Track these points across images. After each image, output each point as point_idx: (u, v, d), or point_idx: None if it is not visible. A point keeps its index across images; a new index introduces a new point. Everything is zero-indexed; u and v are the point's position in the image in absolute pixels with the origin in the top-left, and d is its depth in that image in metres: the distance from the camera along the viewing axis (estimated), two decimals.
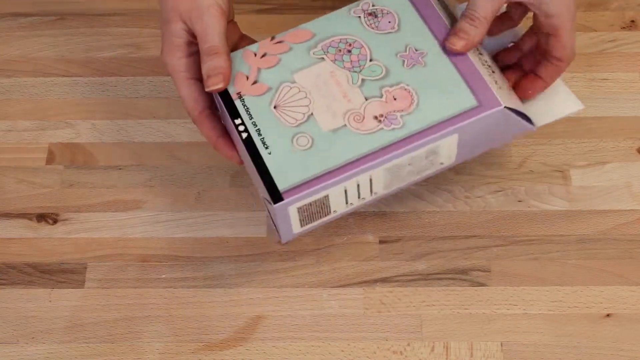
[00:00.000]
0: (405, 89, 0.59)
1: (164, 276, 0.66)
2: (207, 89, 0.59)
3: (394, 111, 0.58)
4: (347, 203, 0.59)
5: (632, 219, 0.68)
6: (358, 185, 0.58)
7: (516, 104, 0.60)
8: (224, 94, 0.59)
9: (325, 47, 0.60)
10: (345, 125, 0.58)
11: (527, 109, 0.62)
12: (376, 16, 0.61)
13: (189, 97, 0.60)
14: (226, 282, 0.66)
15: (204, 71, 0.58)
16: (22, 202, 0.69)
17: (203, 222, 0.68)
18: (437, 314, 0.64)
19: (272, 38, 0.61)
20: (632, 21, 0.78)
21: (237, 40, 0.64)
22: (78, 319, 0.64)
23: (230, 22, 0.63)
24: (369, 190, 0.59)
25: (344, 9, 0.62)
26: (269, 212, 0.60)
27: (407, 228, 0.68)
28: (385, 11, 0.61)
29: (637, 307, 0.64)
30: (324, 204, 0.58)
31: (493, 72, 0.61)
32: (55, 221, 0.68)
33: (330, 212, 0.59)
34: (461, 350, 0.63)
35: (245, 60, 0.60)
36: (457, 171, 0.70)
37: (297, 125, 0.58)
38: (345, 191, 0.58)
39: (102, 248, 0.67)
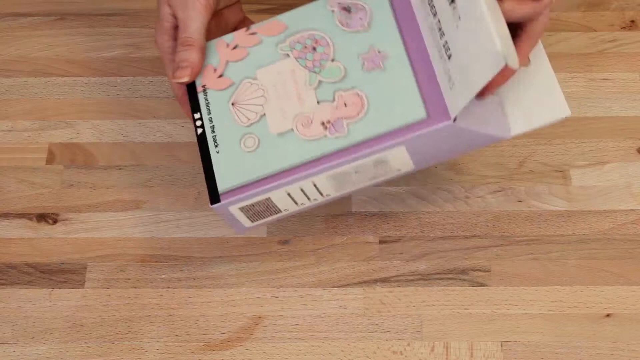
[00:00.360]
0: (358, 95, 0.57)
1: (164, 276, 0.66)
2: (173, 80, 0.59)
3: (342, 118, 0.57)
4: (297, 203, 0.59)
5: (632, 219, 0.68)
6: (302, 190, 0.58)
7: (482, 115, 0.57)
8: (191, 86, 0.59)
9: (293, 43, 0.60)
10: (292, 129, 0.57)
11: (510, 110, 0.58)
12: (350, 11, 0.60)
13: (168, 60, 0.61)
14: (226, 282, 0.66)
15: (175, 61, 0.59)
16: (22, 202, 0.69)
17: (203, 222, 0.68)
18: (437, 314, 0.64)
19: (248, 29, 0.61)
20: (632, 21, 0.78)
21: (237, 23, 0.64)
22: (78, 319, 0.64)
23: (236, 3, 0.63)
24: (318, 193, 0.58)
25: (323, 0, 0.61)
26: None
27: (407, 228, 0.68)
28: (359, 6, 0.60)
29: (637, 307, 0.64)
30: (268, 205, 0.58)
31: (450, 78, 0.56)
32: (55, 221, 0.68)
33: (280, 210, 0.59)
34: (461, 350, 0.63)
35: (217, 50, 0.60)
36: (457, 171, 0.70)
37: (249, 126, 0.57)
38: (289, 194, 0.57)
39: (102, 248, 0.67)
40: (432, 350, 0.63)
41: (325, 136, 0.56)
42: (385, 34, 0.58)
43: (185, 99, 0.61)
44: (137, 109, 0.74)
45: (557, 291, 0.65)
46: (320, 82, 0.58)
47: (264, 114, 0.58)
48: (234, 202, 0.56)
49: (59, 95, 0.75)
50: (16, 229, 0.68)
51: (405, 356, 0.63)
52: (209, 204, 0.57)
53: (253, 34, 0.60)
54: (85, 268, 0.66)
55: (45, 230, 0.68)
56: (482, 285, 0.65)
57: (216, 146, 0.57)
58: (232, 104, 0.58)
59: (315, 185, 0.58)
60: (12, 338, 0.64)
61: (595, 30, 0.77)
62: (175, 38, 0.60)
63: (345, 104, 0.57)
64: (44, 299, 0.65)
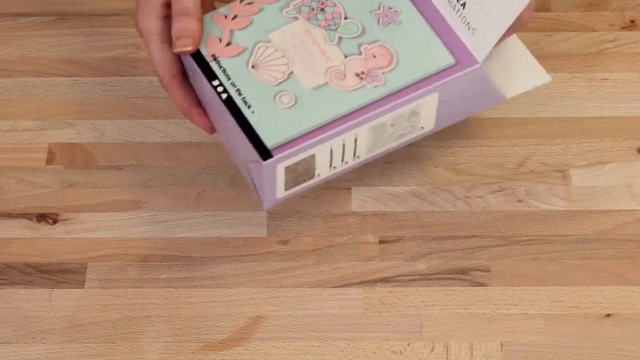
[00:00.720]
0: (384, 47, 0.58)
1: (164, 276, 0.66)
2: (175, 50, 0.58)
3: (375, 68, 0.57)
4: (330, 166, 0.58)
5: (632, 219, 0.68)
6: (343, 146, 0.57)
7: (492, 72, 0.60)
8: (198, 57, 0.58)
9: (298, 7, 0.59)
10: (327, 82, 0.57)
11: (495, 81, 0.60)
12: None
13: (161, 61, 0.59)
14: (226, 282, 0.66)
15: (173, 32, 0.58)
16: (22, 202, 0.69)
17: (203, 222, 0.68)
18: (437, 314, 0.64)
19: (242, 0, 0.60)
20: (632, 21, 0.78)
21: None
22: (78, 319, 0.64)
23: None
24: (353, 153, 0.58)
25: None
26: (251, 179, 0.58)
27: (407, 228, 0.68)
28: None
29: (637, 307, 0.64)
30: (309, 164, 0.57)
31: (469, 25, 0.58)
32: (55, 221, 0.68)
33: (314, 175, 0.58)
34: (461, 350, 0.63)
35: (217, 22, 0.59)
36: (457, 171, 0.70)
37: (278, 84, 0.57)
38: (331, 151, 0.57)
39: (102, 248, 0.67)
40: (432, 350, 0.63)
41: (364, 86, 0.56)
42: None
43: (195, 110, 0.60)
44: (137, 109, 0.74)
45: (557, 291, 0.65)
46: (340, 38, 0.58)
47: (292, 72, 0.57)
48: (284, 157, 0.55)
49: (59, 95, 0.75)
50: (16, 229, 0.68)
51: (405, 356, 0.63)
52: (250, 170, 0.55)
53: (250, 3, 0.59)
54: (85, 268, 0.66)
55: (45, 230, 0.68)
56: (482, 285, 0.65)
57: (249, 107, 0.56)
58: (252, 66, 0.57)
59: (355, 140, 0.57)
60: (12, 338, 0.64)
61: (595, 30, 0.77)
62: (163, 17, 0.59)
63: (374, 56, 0.57)
64: (44, 299, 0.65)
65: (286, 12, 0.59)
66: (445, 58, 0.57)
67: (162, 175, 0.70)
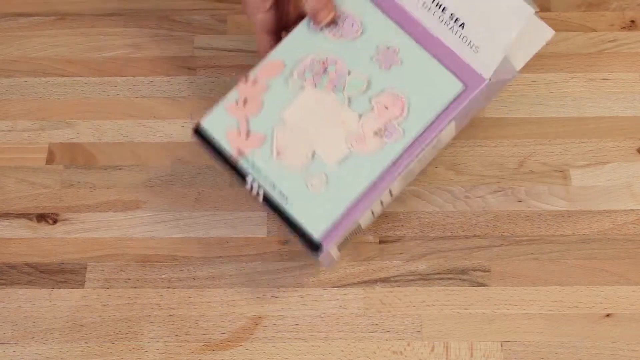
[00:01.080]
0: (393, 94, 0.58)
1: (164, 276, 0.66)
2: (321, 22, 0.58)
3: (390, 120, 0.57)
4: (373, 215, 0.60)
5: (632, 219, 0.68)
6: (381, 202, 0.58)
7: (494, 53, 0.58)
8: (224, 158, 0.57)
9: (301, 73, 0.59)
10: (350, 151, 0.57)
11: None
12: (336, 23, 0.60)
13: (264, 43, 0.61)
14: (226, 282, 0.66)
15: (312, 4, 0.58)
16: (22, 202, 0.69)
17: (203, 222, 0.68)
18: (437, 314, 0.64)
19: (246, 78, 0.59)
20: (632, 21, 0.78)
21: None
22: (78, 319, 0.64)
23: None
24: (389, 197, 0.60)
25: (303, 24, 0.60)
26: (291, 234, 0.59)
27: (407, 228, 0.68)
28: (344, 16, 0.60)
29: (637, 307, 0.64)
30: (356, 229, 0.59)
31: (471, 44, 0.58)
32: (55, 221, 0.68)
33: (361, 230, 0.61)
34: (461, 350, 0.63)
35: (231, 113, 0.58)
36: (457, 171, 0.70)
37: (306, 168, 0.57)
38: (372, 211, 0.58)
39: (102, 248, 0.67)
40: (432, 350, 0.63)
41: (385, 143, 0.57)
42: (383, 29, 0.59)
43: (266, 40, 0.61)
44: (137, 109, 0.74)
45: (557, 291, 0.65)
46: (349, 98, 0.58)
47: (314, 151, 0.57)
48: (333, 242, 0.56)
49: (59, 95, 0.75)
50: (16, 229, 0.68)
51: (405, 356, 0.63)
52: (311, 255, 0.56)
53: (255, 82, 0.59)
54: (85, 268, 0.66)
55: (45, 230, 0.68)
56: (482, 285, 0.65)
57: (286, 199, 0.56)
58: (277, 154, 0.57)
59: (390, 191, 0.58)
60: (12, 338, 0.64)
61: (595, 30, 0.77)
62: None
63: (385, 107, 0.57)
64: (44, 299, 0.65)
65: (292, 83, 0.59)
66: (454, 86, 0.57)
67: (162, 175, 0.70)
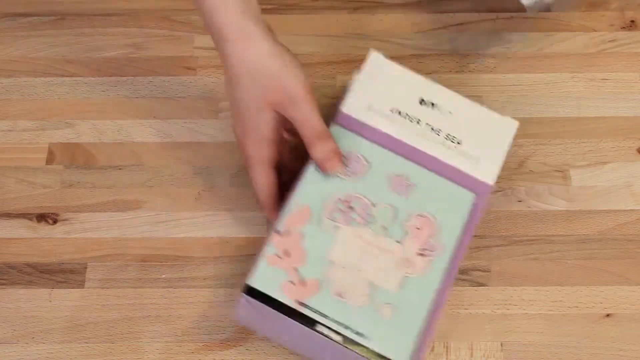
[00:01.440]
0: (420, 216, 0.61)
1: (164, 276, 0.66)
2: (328, 172, 0.61)
3: (427, 239, 0.60)
4: None
5: (632, 219, 0.68)
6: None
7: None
8: (284, 307, 0.57)
9: (331, 215, 0.60)
10: (405, 275, 0.59)
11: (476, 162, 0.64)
12: (344, 164, 0.62)
13: (265, 184, 0.62)
14: (226, 282, 0.66)
15: (319, 156, 0.60)
16: (22, 202, 0.69)
17: (203, 222, 0.68)
18: None
19: (278, 232, 0.60)
20: (632, 21, 0.78)
21: None
22: (78, 319, 0.64)
23: None
24: None
25: (311, 167, 0.61)
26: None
27: None
28: (348, 155, 0.62)
29: (637, 307, 0.64)
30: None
31: (471, 157, 0.64)
32: (55, 221, 0.68)
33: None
34: (461, 350, 0.63)
35: (277, 267, 0.59)
36: None
37: (370, 300, 0.58)
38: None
39: (102, 248, 0.67)
40: (432, 350, 0.63)
41: (431, 261, 0.59)
42: (386, 160, 0.62)
43: (275, 203, 0.63)
44: (137, 109, 0.74)
45: (557, 291, 0.65)
46: (383, 227, 0.60)
47: (372, 282, 0.58)
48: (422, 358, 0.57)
49: (59, 95, 0.75)
50: (16, 229, 0.68)
51: None
52: None
53: (288, 232, 0.60)
54: (85, 268, 0.66)
55: (45, 230, 0.68)
56: (482, 285, 0.65)
57: (362, 336, 0.57)
58: (338, 295, 0.58)
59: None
60: (12, 338, 0.64)
61: (595, 30, 0.77)
62: (272, 143, 0.61)
63: (418, 228, 0.60)
64: (44, 299, 0.65)
65: (325, 226, 0.60)
66: (467, 196, 0.62)
67: (162, 175, 0.70)
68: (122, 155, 0.71)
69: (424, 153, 0.63)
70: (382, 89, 0.65)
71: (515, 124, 0.65)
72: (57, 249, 0.67)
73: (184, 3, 0.79)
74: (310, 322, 0.57)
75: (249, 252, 0.67)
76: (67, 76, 0.76)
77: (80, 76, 0.76)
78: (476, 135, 0.64)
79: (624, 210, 0.68)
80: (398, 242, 0.60)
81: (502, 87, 0.73)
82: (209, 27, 0.60)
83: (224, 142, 0.72)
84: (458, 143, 0.64)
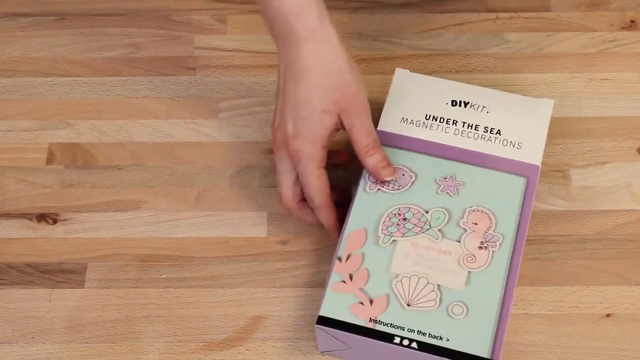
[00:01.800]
0: (474, 210, 0.62)
1: (164, 276, 0.66)
2: (384, 179, 0.62)
3: (485, 232, 0.61)
4: None
5: (632, 219, 0.68)
6: None
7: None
8: (362, 330, 0.58)
9: (387, 231, 0.61)
10: (469, 272, 0.60)
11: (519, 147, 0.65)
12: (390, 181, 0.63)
13: (317, 184, 0.62)
14: (226, 282, 0.66)
15: (373, 164, 0.62)
16: (22, 202, 0.69)
17: (203, 222, 0.68)
18: None
19: (339, 259, 0.61)
20: (632, 21, 0.78)
21: None
22: (78, 319, 0.64)
23: None
24: None
25: (360, 190, 0.63)
26: None
27: None
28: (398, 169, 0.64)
29: (637, 307, 0.64)
30: None
31: (513, 144, 0.65)
32: (55, 221, 0.68)
33: None
34: None
35: (342, 291, 0.60)
36: None
37: (439, 302, 0.59)
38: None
39: (102, 248, 0.67)
40: None
41: (493, 252, 0.60)
42: (433, 166, 0.64)
43: (338, 225, 0.63)
44: (137, 109, 0.74)
45: (557, 291, 0.65)
46: (441, 231, 0.61)
47: (438, 285, 0.59)
48: (501, 352, 0.58)
49: (59, 95, 0.75)
50: (16, 229, 0.68)
51: None
52: None
53: (349, 257, 0.61)
54: (85, 268, 0.66)
55: (45, 230, 0.68)
56: None
57: (441, 339, 0.57)
58: (408, 305, 0.59)
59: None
60: (12, 338, 0.64)
61: (595, 30, 0.77)
62: (326, 146, 0.61)
63: (475, 223, 0.61)
64: (44, 299, 0.65)
65: (382, 242, 0.61)
66: (518, 182, 0.63)
67: (162, 175, 0.70)
68: (122, 155, 0.71)
69: (466, 150, 0.64)
70: (413, 100, 0.67)
71: (551, 103, 0.67)
72: (57, 249, 0.67)
73: (184, 3, 0.79)
74: (386, 337, 0.58)
75: (249, 252, 0.67)
76: (67, 76, 0.76)
77: (80, 76, 0.76)
78: (513, 122, 0.66)
79: (624, 210, 0.68)
80: (457, 241, 0.61)
81: (502, 87, 0.73)
82: (273, 23, 0.60)
83: (224, 142, 0.72)
84: (498, 133, 0.65)
